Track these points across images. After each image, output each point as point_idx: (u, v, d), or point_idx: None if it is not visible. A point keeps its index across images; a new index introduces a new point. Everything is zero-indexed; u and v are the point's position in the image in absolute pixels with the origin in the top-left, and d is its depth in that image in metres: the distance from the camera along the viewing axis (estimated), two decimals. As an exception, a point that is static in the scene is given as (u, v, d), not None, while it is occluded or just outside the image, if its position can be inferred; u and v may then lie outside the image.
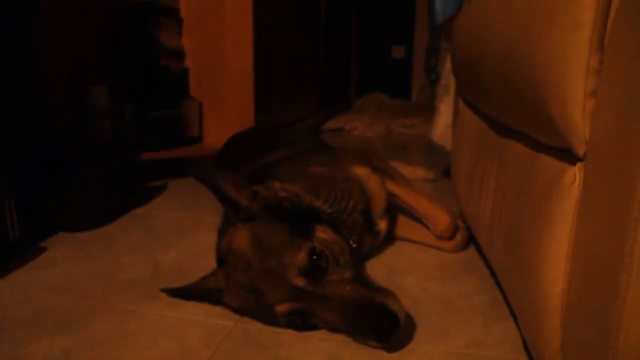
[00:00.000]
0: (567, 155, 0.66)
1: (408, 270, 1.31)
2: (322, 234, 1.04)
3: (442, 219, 1.38)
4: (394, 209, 1.49)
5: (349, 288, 0.96)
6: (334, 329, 1.00)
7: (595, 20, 0.60)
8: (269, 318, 1.02)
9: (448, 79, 2.28)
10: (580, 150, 0.62)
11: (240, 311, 1.06)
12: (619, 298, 0.51)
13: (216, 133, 2.20)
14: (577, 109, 0.61)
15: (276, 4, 2.74)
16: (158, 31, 2.08)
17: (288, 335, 1.01)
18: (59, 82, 1.78)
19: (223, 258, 1.07)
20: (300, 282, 0.96)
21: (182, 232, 1.59)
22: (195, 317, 1.08)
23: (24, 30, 1.60)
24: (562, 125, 0.64)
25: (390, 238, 1.47)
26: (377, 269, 1.31)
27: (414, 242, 1.47)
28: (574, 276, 0.65)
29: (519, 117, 0.85)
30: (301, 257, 0.96)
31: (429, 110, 2.90)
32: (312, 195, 1.21)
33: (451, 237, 1.41)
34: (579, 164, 0.64)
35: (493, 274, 1.22)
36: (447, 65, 2.28)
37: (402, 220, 1.51)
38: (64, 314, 1.10)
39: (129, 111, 1.99)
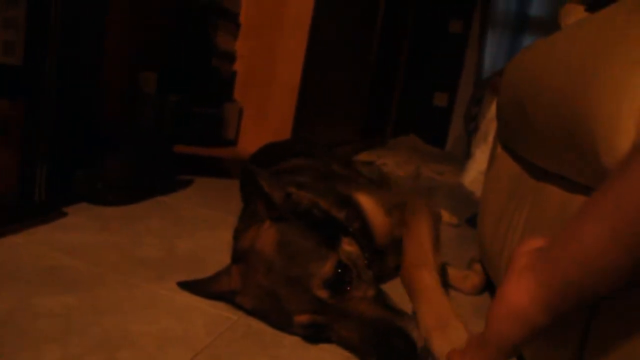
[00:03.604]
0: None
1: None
2: (348, 246, 1.03)
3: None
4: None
5: (370, 306, 0.94)
6: (346, 346, 0.97)
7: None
8: (282, 324, 1.00)
9: (488, 127, 2.27)
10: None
11: (253, 312, 1.04)
12: None
13: (252, 139, 2.23)
14: (626, 148, 0.60)
15: (332, 32, 2.79)
16: (215, 32, 2.13)
17: (289, 339, 0.99)
18: (113, 64, 1.82)
19: (242, 255, 1.05)
20: (323, 294, 0.94)
21: (203, 225, 1.60)
22: (200, 304, 1.07)
23: (87, 9, 1.64)
24: (608, 164, 0.63)
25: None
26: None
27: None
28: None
29: (561, 158, 0.84)
30: (327, 268, 0.95)
31: (460, 161, 2.89)
32: (335, 208, 1.20)
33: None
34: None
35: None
36: (489, 115, 2.28)
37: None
38: (74, 275, 1.11)
39: (172, 102, 2.03)
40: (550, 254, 0.61)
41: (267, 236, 1.01)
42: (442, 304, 1.00)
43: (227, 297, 1.07)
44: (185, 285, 1.11)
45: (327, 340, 0.99)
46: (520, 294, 0.62)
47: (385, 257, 1.32)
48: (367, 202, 1.29)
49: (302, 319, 0.95)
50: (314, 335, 0.98)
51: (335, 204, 1.20)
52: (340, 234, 1.05)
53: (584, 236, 0.55)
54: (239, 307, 1.05)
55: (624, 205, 0.51)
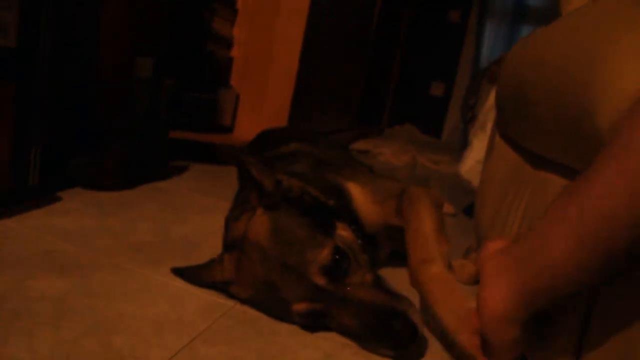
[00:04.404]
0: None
1: (413, 289, 1.28)
2: (343, 231, 1.02)
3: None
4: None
5: (369, 292, 0.94)
6: (345, 333, 0.97)
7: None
8: (280, 313, 0.99)
9: (486, 116, 2.26)
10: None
11: (248, 302, 1.02)
12: None
13: (248, 126, 2.21)
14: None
15: (330, 19, 2.76)
16: (212, 16, 2.10)
17: (286, 325, 0.98)
18: (108, 48, 1.79)
19: (235, 244, 1.03)
20: (321, 280, 0.93)
21: (198, 211, 1.59)
22: (195, 289, 1.06)
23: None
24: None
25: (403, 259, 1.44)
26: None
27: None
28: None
29: (561, 143, 0.83)
30: (324, 255, 0.93)
31: (456, 151, 2.89)
32: (323, 195, 1.18)
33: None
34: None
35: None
36: (487, 103, 2.27)
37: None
38: (68, 259, 1.10)
39: (167, 87, 2.00)
40: (520, 257, 0.64)
41: (260, 224, 0.99)
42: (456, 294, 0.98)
43: (220, 287, 1.05)
44: (179, 272, 1.09)
45: (325, 328, 0.98)
46: (496, 298, 0.66)
47: (378, 244, 1.31)
48: (355, 190, 1.27)
49: (300, 307, 0.94)
50: (313, 323, 0.97)
51: (324, 192, 1.18)
52: (334, 219, 1.03)
53: (550, 241, 0.58)
54: (234, 296, 1.04)
55: (588, 211, 0.53)
